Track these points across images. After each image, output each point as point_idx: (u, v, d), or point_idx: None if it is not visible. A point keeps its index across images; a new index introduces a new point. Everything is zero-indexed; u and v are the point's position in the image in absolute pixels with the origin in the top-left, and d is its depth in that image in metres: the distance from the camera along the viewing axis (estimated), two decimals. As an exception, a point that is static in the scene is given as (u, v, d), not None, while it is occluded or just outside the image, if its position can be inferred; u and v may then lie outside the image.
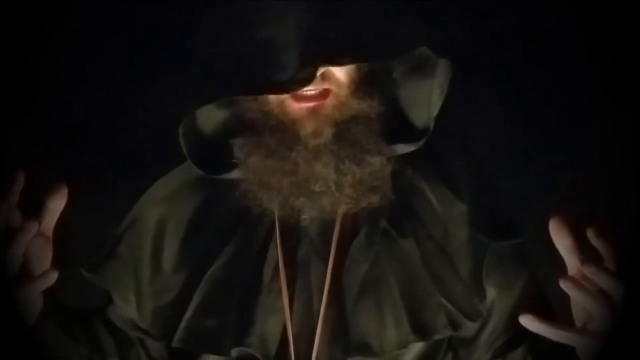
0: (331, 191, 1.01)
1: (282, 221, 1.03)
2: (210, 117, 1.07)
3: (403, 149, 1.04)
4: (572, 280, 0.83)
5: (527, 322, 0.84)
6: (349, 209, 1.02)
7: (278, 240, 1.02)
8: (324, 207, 1.02)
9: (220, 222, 1.06)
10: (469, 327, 1.05)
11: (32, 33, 1.39)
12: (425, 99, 1.05)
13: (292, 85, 0.94)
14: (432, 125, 1.03)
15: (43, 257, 0.93)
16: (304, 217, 1.03)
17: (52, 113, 1.47)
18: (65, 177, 0.94)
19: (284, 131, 1.00)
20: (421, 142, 1.03)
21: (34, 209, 0.91)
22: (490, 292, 1.05)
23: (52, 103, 1.46)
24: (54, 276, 0.91)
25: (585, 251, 0.83)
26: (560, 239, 0.85)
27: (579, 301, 0.84)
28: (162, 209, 1.09)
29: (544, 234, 0.85)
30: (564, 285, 0.83)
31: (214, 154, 1.06)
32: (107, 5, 1.41)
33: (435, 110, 1.03)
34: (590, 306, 0.83)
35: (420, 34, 1.03)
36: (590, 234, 0.82)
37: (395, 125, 1.05)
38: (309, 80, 0.94)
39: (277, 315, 1.00)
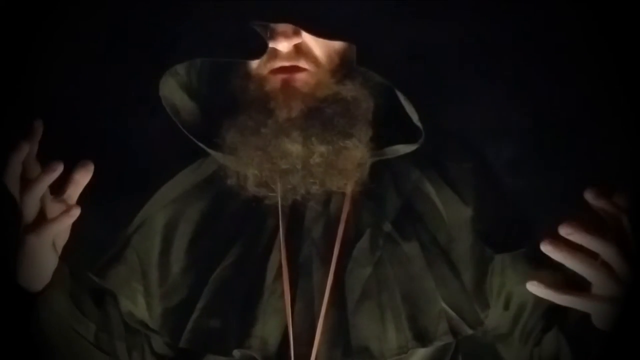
0: (297, 169, 1.01)
1: (287, 221, 1.03)
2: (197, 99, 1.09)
3: (404, 149, 1.04)
4: (552, 242, 0.83)
5: (534, 288, 0.85)
6: (316, 190, 1.02)
7: (282, 241, 1.03)
8: (290, 185, 1.02)
9: (227, 223, 1.07)
10: (500, 326, 1.07)
11: (33, 34, 1.39)
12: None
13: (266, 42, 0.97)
14: (421, 126, 1.02)
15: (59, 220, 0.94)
16: (271, 194, 1.03)
17: (55, 115, 1.47)
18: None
19: (259, 106, 1.01)
20: (420, 141, 1.02)
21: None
22: (521, 292, 1.04)
23: (54, 106, 1.46)
24: (76, 212, 0.93)
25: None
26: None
27: (560, 261, 0.84)
28: (170, 211, 1.10)
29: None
30: (544, 248, 0.84)
31: (203, 134, 1.07)
32: (113, 5, 1.41)
33: (414, 117, 1.02)
34: (577, 269, 0.84)
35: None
36: (589, 196, 0.84)
37: (396, 125, 1.05)
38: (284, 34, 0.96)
39: (279, 317, 1.01)
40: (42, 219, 0.94)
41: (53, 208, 0.94)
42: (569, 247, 0.83)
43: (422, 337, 1.00)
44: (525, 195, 1.18)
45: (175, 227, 1.09)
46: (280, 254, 1.02)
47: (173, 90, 1.07)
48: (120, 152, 1.39)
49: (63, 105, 1.45)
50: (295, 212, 1.04)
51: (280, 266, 1.02)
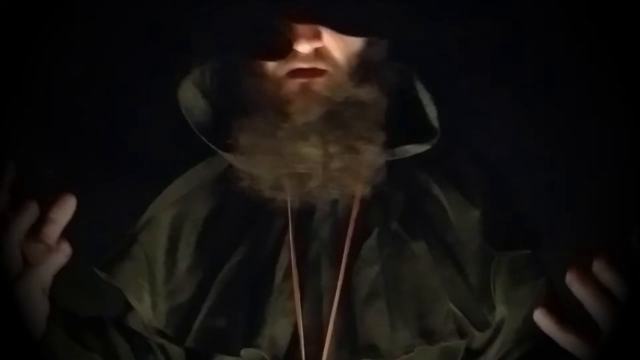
0: (317, 174, 1.00)
1: (295, 221, 1.03)
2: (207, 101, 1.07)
3: (415, 149, 1.04)
4: (579, 273, 0.76)
5: (540, 317, 0.79)
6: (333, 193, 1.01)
7: (291, 242, 1.03)
8: (309, 190, 1.01)
9: (234, 222, 1.06)
10: (477, 339, 1.04)
11: (32, 33, 1.39)
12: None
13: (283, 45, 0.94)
14: (437, 125, 1.03)
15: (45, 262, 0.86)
16: (287, 198, 1.02)
17: (54, 113, 1.47)
18: (73, 179, 0.94)
19: (275, 108, 0.99)
20: (434, 141, 1.02)
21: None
22: (501, 310, 1.03)
23: (52, 103, 1.46)
24: (67, 249, 0.84)
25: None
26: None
27: (581, 298, 0.78)
28: (178, 208, 1.09)
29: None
30: (569, 277, 0.77)
31: (215, 135, 1.05)
32: (108, 3, 1.41)
33: (432, 114, 1.02)
34: (591, 306, 0.78)
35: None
36: (598, 267, 0.75)
37: (407, 124, 1.05)
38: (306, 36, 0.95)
39: (288, 317, 1.00)
40: (25, 266, 0.85)
41: (34, 252, 0.85)
42: (596, 284, 0.76)
43: (428, 336, 0.99)
44: (530, 196, 1.17)
45: (182, 225, 1.09)
46: (289, 254, 1.02)
47: (186, 89, 1.06)
48: (125, 151, 1.39)
49: (63, 104, 1.46)
50: (303, 212, 1.04)
51: (289, 266, 1.02)
